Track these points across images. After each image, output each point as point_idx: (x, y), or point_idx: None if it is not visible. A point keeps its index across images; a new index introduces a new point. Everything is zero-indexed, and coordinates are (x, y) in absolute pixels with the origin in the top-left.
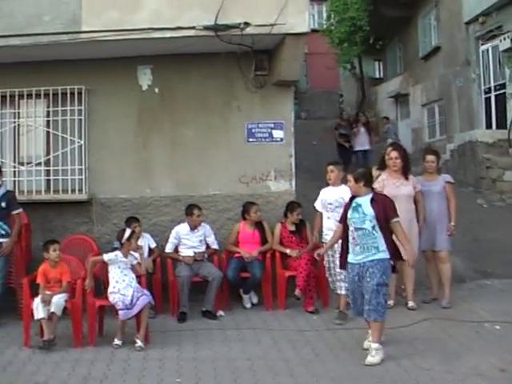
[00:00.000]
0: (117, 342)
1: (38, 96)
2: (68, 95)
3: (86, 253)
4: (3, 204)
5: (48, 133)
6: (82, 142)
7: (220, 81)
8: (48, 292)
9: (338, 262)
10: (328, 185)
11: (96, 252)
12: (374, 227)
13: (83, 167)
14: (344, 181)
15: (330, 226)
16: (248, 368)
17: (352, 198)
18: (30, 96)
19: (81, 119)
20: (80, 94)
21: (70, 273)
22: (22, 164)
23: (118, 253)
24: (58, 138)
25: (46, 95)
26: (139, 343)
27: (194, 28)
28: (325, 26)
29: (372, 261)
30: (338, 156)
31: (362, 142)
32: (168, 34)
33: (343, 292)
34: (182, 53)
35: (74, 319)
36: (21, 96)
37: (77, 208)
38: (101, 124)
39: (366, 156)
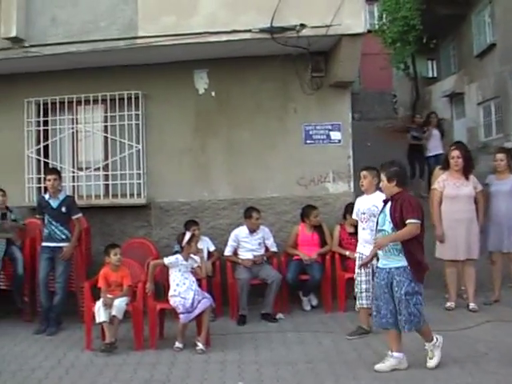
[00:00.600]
0: (178, 344)
1: (95, 102)
2: (125, 100)
3: (145, 256)
4: (63, 209)
5: (106, 138)
6: (140, 147)
7: (276, 83)
8: (109, 295)
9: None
10: (363, 193)
11: (155, 255)
12: (393, 229)
13: (141, 171)
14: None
15: (365, 238)
16: (310, 370)
17: (386, 202)
18: (87, 102)
19: (138, 124)
20: (137, 98)
21: (130, 276)
22: (80, 169)
23: (179, 256)
24: (115, 143)
25: (104, 101)
26: (200, 346)
27: (249, 31)
28: (377, 26)
29: (398, 268)
30: (409, 162)
31: (435, 146)
32: (224, 38)
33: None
34: (238, 56)
35: (135, 322)
36: (78, 102)
37: (135, 212)
38: (158, 128)
39: (438, 161)
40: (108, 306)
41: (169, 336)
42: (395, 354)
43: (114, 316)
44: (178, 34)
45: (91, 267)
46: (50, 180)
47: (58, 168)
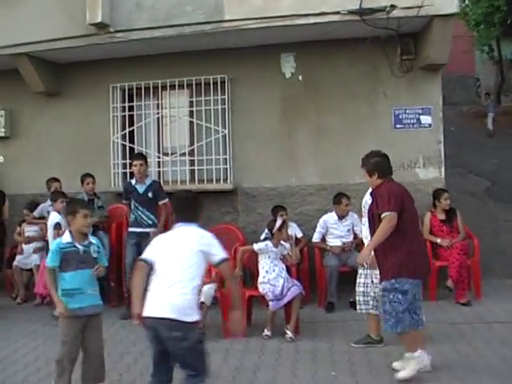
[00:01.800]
0: (266, 332)
1: (180, 87)
2: (211, 85)
3: (232, 242)
4: (150, 194)
5: (191, 123)
6: (226, 132)
7: (365, 66)
8: None
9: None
10: None
11: (242, 242)
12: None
13: (227, 157)
14: None
15: (365, 234)
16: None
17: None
18: (172, 87)
19: (224, 108)
20: (223, 83)
21: None
22: (165, 154)
23: (269, 242)
24: (201, 127)
25: (189, 85)
26: (289, 334)
27: (338, 13)
28: (459, 8)
29: None
30: None
31: None
32: (312, 20)
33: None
34: (326, 39)
35: (224, 309)
36: (164, 87)
37: (221, 198)
38: (244, 113)
39: None
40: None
41: (256, 323)
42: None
43: (202, 302)
44: (265, 17)
45: None
46: (136, 165)
47: (144, 153)
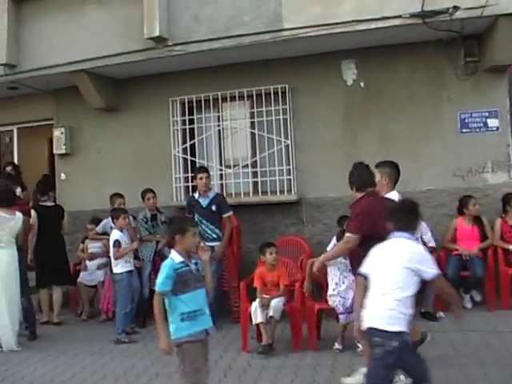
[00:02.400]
0: (337, 346)
1: (240, 98)
2: (271, 95)
3: (298, 254)
4: (213, 207)
5: (253, 134)
6: (289, 142)
7: (428, 70)
8: (266, 296)
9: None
10: None
11: (308, 253)
12: None
13: (291, 167)
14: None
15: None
16: (483, 375)
17: None
18: (232, 98)
19: (286, 118)
20: (284, 93)
21: (287, 275)
22: (228, 167)
23: None
24: (263, 138)
25: (249, 96)
26: (361, 348)
27: (399, 17)
28: None
29: None
30: None
31: None
32: (373, 25)
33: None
34: (387, 44)
35: (294, 323)
36: (224, 99)
37: (286, 209)
38: (306, 122)
39: None
40: (265, 306)
41: (326, 337)
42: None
43: (271, 317)
44: (324, 24)
45: (242, 266)
46: (201, 178)
47: (206, 166)
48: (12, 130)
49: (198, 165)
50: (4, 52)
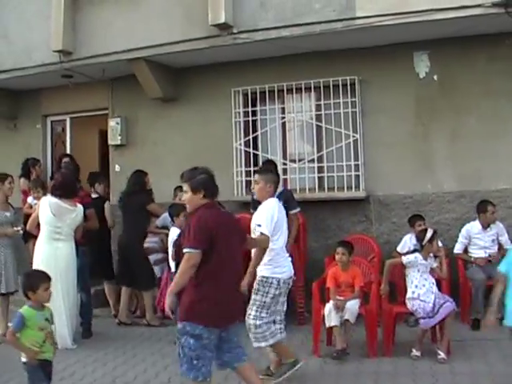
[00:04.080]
0: (415, 352)
1: (307, 89)
2: (340, 87)
3: (366, 254)
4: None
5: (319, 127)
6: (357, 136)
7: (506, 62)
8: (339, 297)
9: None
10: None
11: (377, 253)
12: None
13: (359, 162)
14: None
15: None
16: None
17: None
18: (298, 90)
19: (355, 112)
20: (352, 84)
21: (362, 276)
22: (292, 161)
23: (418, 255)
24: (329, 132)
25: (316, 88)
26: (442, 355)
27: (480, 6)
28: None
29: None
30: None
31: None
32: (451, 15)
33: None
34: (463, 35)
35: (369, 327)
36: (289, 90)
37: (352, 206)
38: (376, 116)
39: None
40: (340, 308)
41: (398, 342)
42: None
43: (346, 320)
44: (400, 13)
45: (307, 265)
46: None
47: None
48: (65, 120)
49: (260, 158)
50: (60, 38)
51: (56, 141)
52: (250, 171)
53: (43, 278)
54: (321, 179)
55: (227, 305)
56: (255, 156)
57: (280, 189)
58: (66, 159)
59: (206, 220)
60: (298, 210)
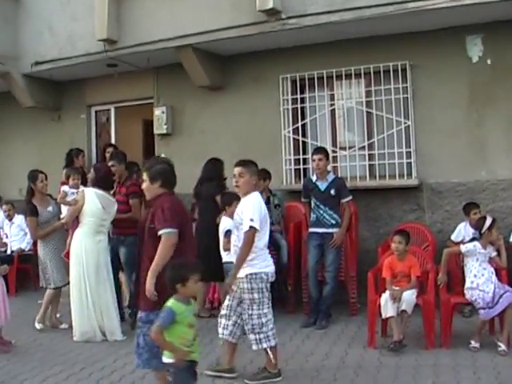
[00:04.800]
0: (474, 344)
1: (356, 75)
2: (390, 72)
3: (420, 243)
4: (332, 192)
5: (369, 114)
6: (409, 123)
7: None
8: (396, 288)
9: None
10: None
11: (431, 242)
12: None
13: (411, 150)
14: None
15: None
16: None
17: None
18: (348, 76)
19: (406, 98)
20: (403, 70)
21: (419, 266)
22: (342, 149)
23: (477, 243)
24: (380, 119)
25: (366, 74)
26: (503, 347)
27: None
28: None
29: None
30: None
31: None
32: None
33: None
34: None
35: (426, 318)
36: (338, 77)
37: (404, 194)
38: (428, 102)
39: None
40: (397, 299)
41: (455, 333)
42: None
43: (403, 311)
44: None
45: (359, 255)
46: (314, 160)
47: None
48: (109, 110)
49: (309, 146)
50: (105, 27)
51: (100, 131)
52: (299, 159)
53: (194, 268)
54: (371, 167)
55: None
56: (304, 144)
57: (331, 176)
58: (109, 149)
59: (177, 204)
60: (350, 198)
